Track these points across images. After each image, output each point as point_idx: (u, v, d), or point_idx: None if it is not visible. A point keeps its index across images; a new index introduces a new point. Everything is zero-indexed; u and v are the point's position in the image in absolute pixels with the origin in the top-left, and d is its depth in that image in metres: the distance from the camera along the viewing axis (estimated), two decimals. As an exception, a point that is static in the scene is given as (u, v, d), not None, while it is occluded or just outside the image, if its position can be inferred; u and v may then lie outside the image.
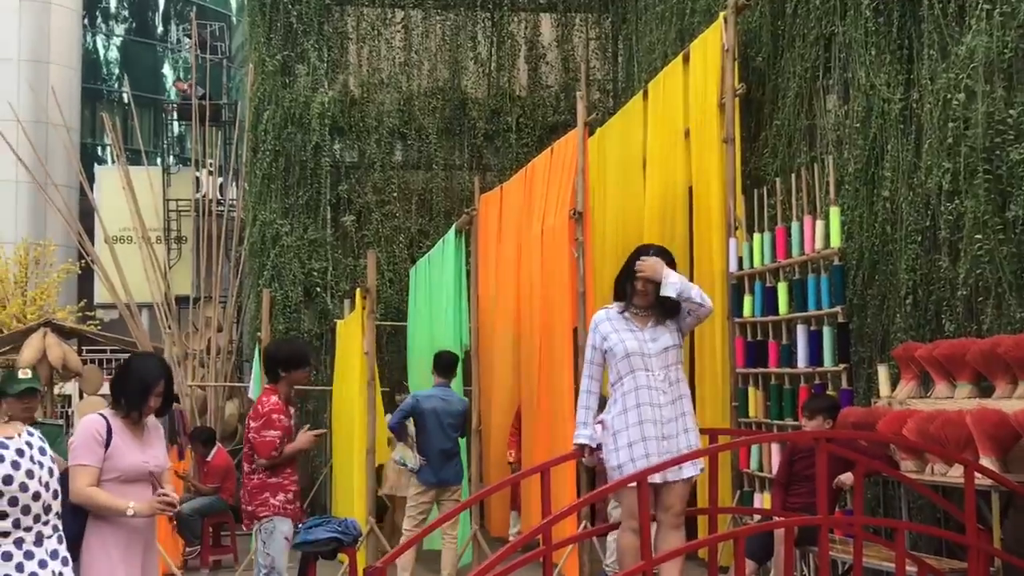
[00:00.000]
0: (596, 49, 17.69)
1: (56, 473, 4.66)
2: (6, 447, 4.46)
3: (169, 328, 17.12)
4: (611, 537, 8.97)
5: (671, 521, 5.10)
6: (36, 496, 4.50)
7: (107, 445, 5.23)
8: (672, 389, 5.12)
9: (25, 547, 4.47)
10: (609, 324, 5.31)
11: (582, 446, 5.43)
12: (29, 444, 4.58)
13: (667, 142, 11.17)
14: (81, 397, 18.06)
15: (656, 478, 4.90)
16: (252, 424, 7.13)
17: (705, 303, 5.30)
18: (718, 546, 5.53)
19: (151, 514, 5.25)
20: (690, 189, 10.99)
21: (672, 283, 5.22)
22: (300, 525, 9.75)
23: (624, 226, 12.42)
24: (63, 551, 4.63)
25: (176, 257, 24.26)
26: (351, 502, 11.55)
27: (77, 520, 5.17)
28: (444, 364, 10.34)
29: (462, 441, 10.78)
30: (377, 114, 16.82)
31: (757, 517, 8.78)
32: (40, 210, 28.54)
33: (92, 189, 21.54)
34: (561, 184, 10.81)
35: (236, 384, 18.10)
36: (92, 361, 18.45)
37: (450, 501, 9.91)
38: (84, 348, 18.51)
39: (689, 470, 5.07)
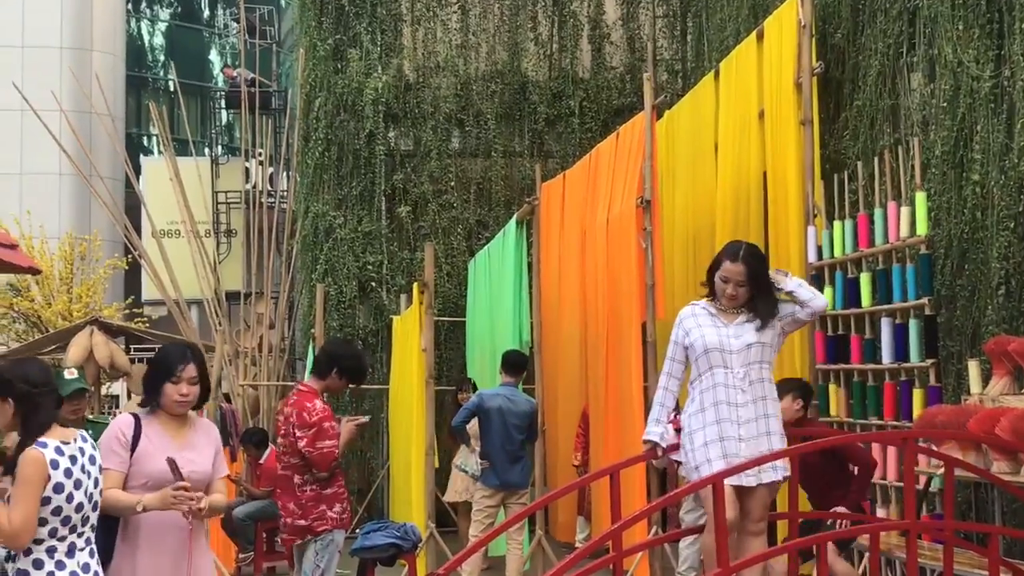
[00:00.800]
0: (663, 27, 17.62)
1: (101, 484, 4.71)
2: (62, 453, 4.52)
3: (220, 325, 17.35)
4: (683, 544, 8.94)
5: (751, 528, 5.09)
6: (80, 507, 4.56)
7: (133, 447, 4.99)
8: (752, 388, 5.11)
9: (57, 556, 4.52)
10: (694, 319, 5.30)
11: (654, 445, 5.43)
12: (82, 451, 4.64)
13: (740, 125, 11.10)
14: (129, 397, 18.38)
15: (735, 481, 4.90)
16: (300, 434, 6.99)
17: (818, 297, 5.33)
18: (796, 553, 5.51)
19: (163, 508, 4.86)
20: (765, 174, 10.92)
21: (791, 288, 5.26)
22: (357, 530, 9.87)
23: (694, 214, 12.37)
24: (95, 565, 4.65)
25: (226, 251, 24.58)
26: (409, 505, 11.64)
27: (108, 530, 5.02)
28: (512, 363, 10.36)
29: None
30: (433, 99, 16.90)
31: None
32: (85, 203, 29.06)
33: (138, 181, 21.86)
34: (627, 171, 10.80)
35: (289, 383, 18.30)
36: (140, 360, 18.78)
37: (517, 505, 9.94)
38: (132, 346, 18.83)
39: (769, 474, 5.05)
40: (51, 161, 27.16)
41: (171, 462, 4.89)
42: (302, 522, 7.02)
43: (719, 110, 11.52)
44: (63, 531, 4.54)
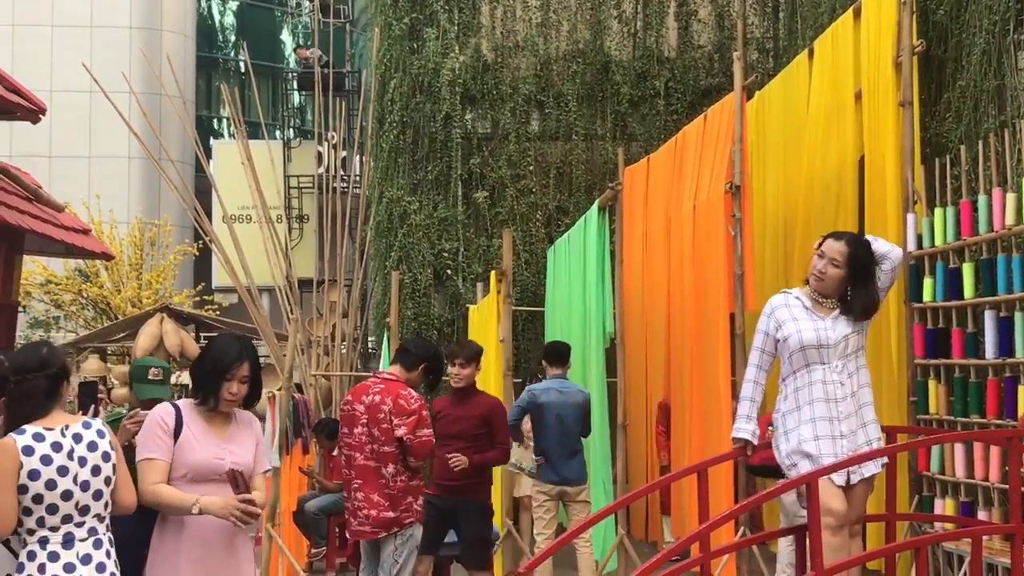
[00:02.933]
0: (754, 3, 17.48)
1: (104, 472, 4.72)
2: (41, 439, 4.59)
3: (292, 313, 17.56)
4: (783, 544, 8.86)
5: (849, 529, 5.06)
6: (67, 495, 4.59)
7: (175, 437, 4.96)
8: (851, 381, 5.07)
9: (50, 547, 4.57)
10: (787, 311, 5.23)
11: (745, 443, 5.41)
12: (77, 437, 4.68)
13: (836, 106, 10.99)
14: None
15: (835, 479, 4.88)
16: (398, 421, 7.09)
17: (894, 248, 5.32)
18: (896, 557, 5.47)
19: (223, 516, 4.83)
20: (862, 159, 10.80)
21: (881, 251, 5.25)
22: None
23: (786, 201, 12.28)
24: (101, 557, 4.66)
25: (297, 237, 24.87)
26: (487, 502, 11.70)
27: (145, 525, 4.98)
28: (556, 354, 10.33)
29: (599, 439, 10.81)
30: (512, 80, 16.94)
31: (938, 525, 8.64)
32: (154, 187, 29.60)
33: (209, 164, 22.19)
34: (716, 154, 10.75)
35: (362, 374, 18.47)
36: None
37: (578, 502, 9.95)
38: (202, 334, 19.15)
39: (871, 468, 5.03)
40: (120, 144, 27.72)
41: (234, 474, 4.91)
42: (390, 514, 7.07)
43: (812, 91, 11.41)
44: (53, 520, 4.58)
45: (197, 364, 5.17)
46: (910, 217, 9.99)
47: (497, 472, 11.08)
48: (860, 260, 5.20)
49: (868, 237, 5.31)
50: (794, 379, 5.15)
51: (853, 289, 5.16)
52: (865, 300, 5.16)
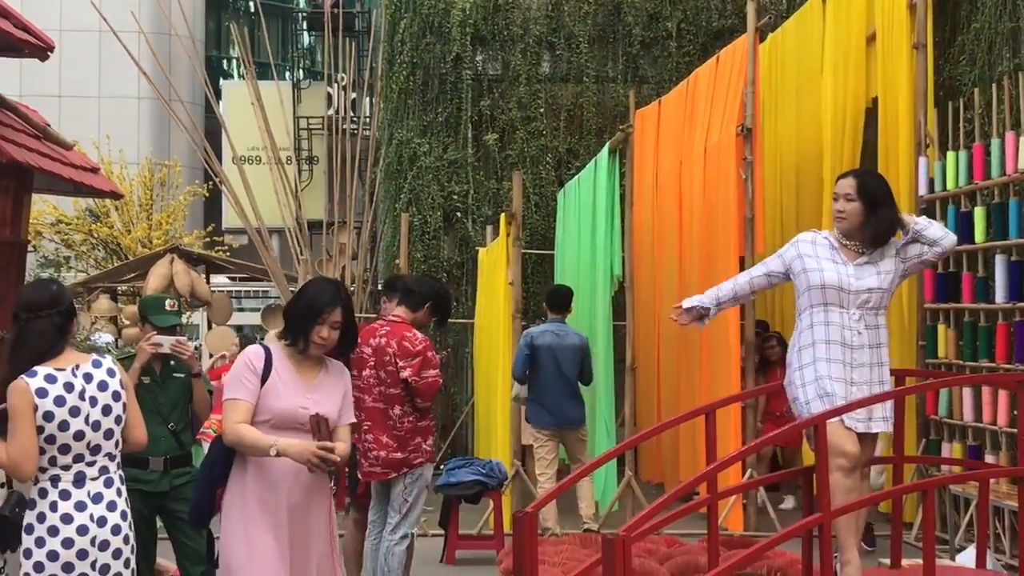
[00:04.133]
0: (768, -56, 17.26)
1: (115, 411, 4.75)
2: (53, 381, 4.61)
3: (302, 255, 17.56)
4: None
5: (860, 471, 5.07)
6: (79, 435, 4.63)
7: (264, 380, 4.86)
8: (868, 334, 5.03)
9: (61, 486, 4.61)
10: (812, 247, 5.18)
11: (682, 309, 5.44)
12: (88, 377, 4.70)
13: (849, 49, 10.89)
14: (210, 327, 18.73)
15: (847, 422, 4.87)
16: (403, 363, 7.08)
17: (948, 235, 5.22)
18: (903, 499, 5.49)
19: (303, 460, 4.73)
20: (875, 101, 10.73)
21: (920, 227, 5.15)
22: (441, 467, 10.02)
23: (798, 144, 12.22)
24: (112, 495, 4.71)
25: (307, 179, 24.82)
26: (494, 442, 11.77)
27: (223, 464, 4.91)
28: (556, 300, 10.45)
29: (604, 382, 10.86)
30: (523, 21, 16.79)
31: (944, 468, 8.66)
32: (164, 128, 29.51)
33: (218, 105, 22.13)
34: (728, 97, 10.68)
35: (372, 316, 18.49)
36: (221, 289, 19.10)
37: (578, 441, 10.08)
38: (212, 275, 19.17)
39: (880, 424, 5.01)
40: (130, 84, 27.59)
41: (317, 420, 4.83)
42: (399, 455, 7.09)
43: (826, 33, 11.30)
44: (65, 459, 4.62)
45: (290, 306, 5.06)
46: (922, 160, 9.94)
47: (504, 410, 11.16)
48: (872, 189, 5.14)
49: (925, 220, 5.24)
50: (811, 314, 5.11)
51: (871, 216, 5.10)
52: (876, 228, 5.11)
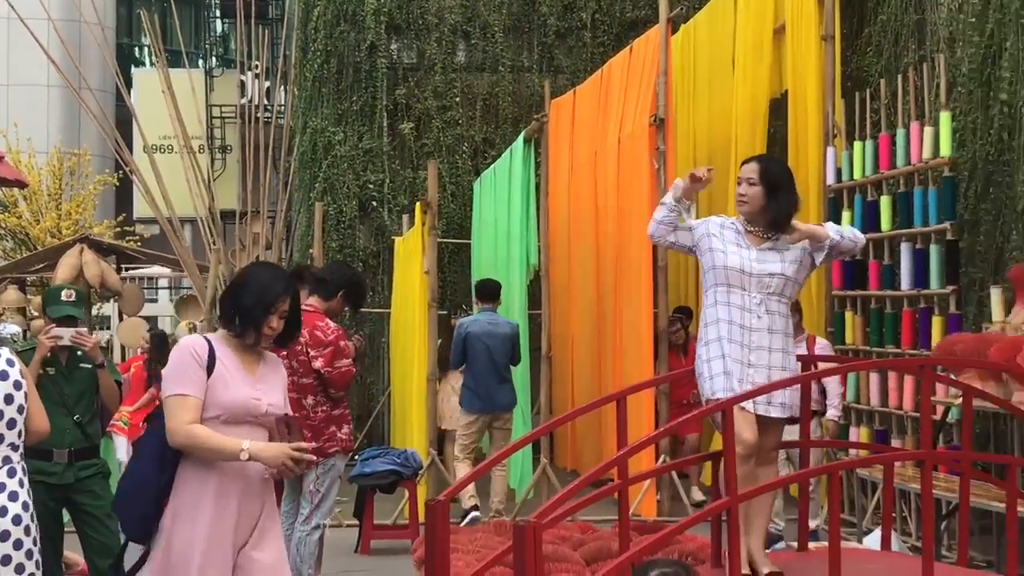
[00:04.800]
0: (681, -65, 17.39)
1: (17, 400, 4.67)
2: None
3: (214, 245, 17.38)
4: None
5: (763, 457, 5.11)
6: None
7: (209, 373, 4.47)
8: (770, 318, 5.08)
9: None
10: (720, 229, 5.21)
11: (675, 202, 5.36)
12: None
13: (759, 40, 11.04)
14: (121, 318, 18.48)
15: (745, 406, 4.92)
16: (314, 353, 7.05)
17: (857, 240, 5.26)
18: (809, 483, 5.59)
19: (276, 464, 4.43)
20: (785, 92, 10.88)
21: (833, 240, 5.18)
22: (356, 457, 9.99)
23: (710, 134, 12.35)
24: (13, 486, 4.63)
25: (220, 168, 24.54)
26: (410, 432, 11.77)
27: (166, 470, 4.46)
28: (486, 292, 10.74)
29: (520, 370, 10.97)
30: (437, 10, 16.75)
31: (852, 452, 8.83)
32: (73, 116, 28.98)
33: (129, 94, 21.79)
34: (641, 87, 10.76)
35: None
36: (132, 279, 18.82)
37: (501, 429, 10.23)
38: (123, 266, 18.90)
39: (777, 410, 5.05)
40: (39, 72, 27.02)
41: (290, 420, 4.61)
42: (312, 444, 7.08)
43: (737, 24, 11.45)
44: None
45: (236, 295, 4.61)
46: (830, 150, 10.11)
47: (420, 399, 11.18)
48: (774, 174, 5.20)
49: (835, 231, 5.24)
50: (714, 292, 5.15)
51: (767, 203, 5.16)
52: (776, 212, 5.17)
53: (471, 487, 9.80)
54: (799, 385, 5.30)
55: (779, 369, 5.06)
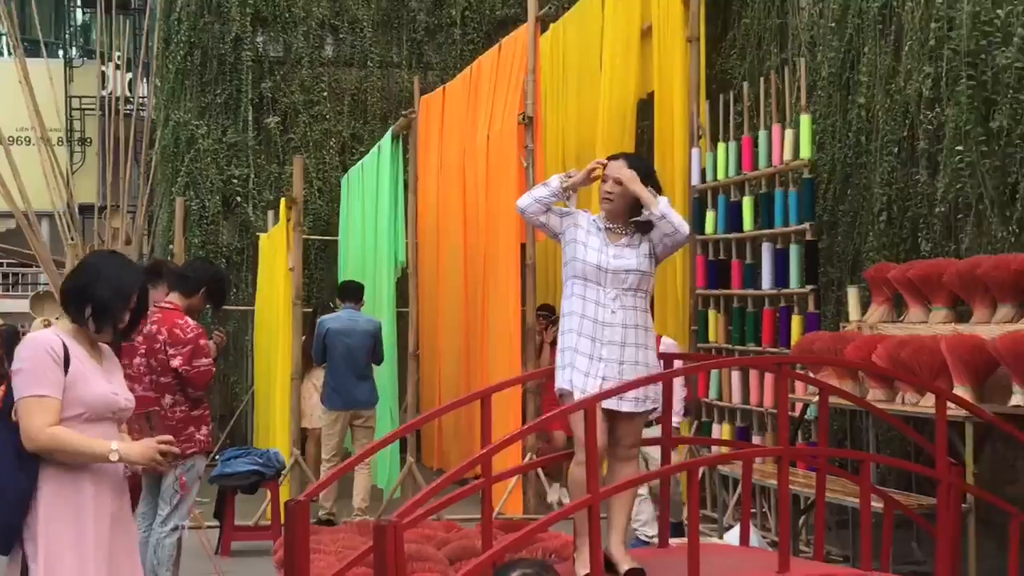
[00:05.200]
0: (550, -66, 17.47)
1: None
2: None
3: (72, 240, 16.98)
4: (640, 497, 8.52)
5: (621, 454, 5.15)
6: None
7: (66, 370, 4.27)
8: (624, 313, 5.13)
9: None
10: (587, 223, 5.26)
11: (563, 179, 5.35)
12: None
13: (626, 41, 11.14)
14: (-26, 315, 17.90)
15: (609, 404, 4.95)
16: (172, 352, 6.92)
17: (681, 229, 5.28)
18: (670, 479, 5.65)
19: (146, 461, 4.37)
20: (652, 93, 11.00)
21: (657, 202, 5.21)
22: (217, 457, 9.83)
23: (578, 133, 12.42)
24: None
25: (80, 161, 23.92)
26: (273, 431, 11.62)
27: (25, 474, 4.22)
28: (349, 292, 10.75)
29: (388, 368, 10.96)
30: (305, 3, 16.54)
31: (715, 449, 8.97)
32: (-75, 106, 27.99)
33: (-16, 84, 21.14)
34: (510, 85, 10.78)
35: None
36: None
37: (363, 428, 10.19)
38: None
39: (628, 404, 5.08)
40: None
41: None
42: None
43: (604, 25, 11.53)
44: None
45: (88, 287, 4.38)
46: (695, 151, 10.25)
47: (283, 398, 11.07)
48: (641, 172, 5.25)
49: (666, 204, 5.28)
50: (572, 285, 5.19)
51: (631, 201, 5.20)
52: (637, 210, 5.22)
53: (332, 495, 9.80)
54: (659, 371, 5.33)
55: (632, 364, 5.10)
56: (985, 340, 6.68)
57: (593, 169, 5.41)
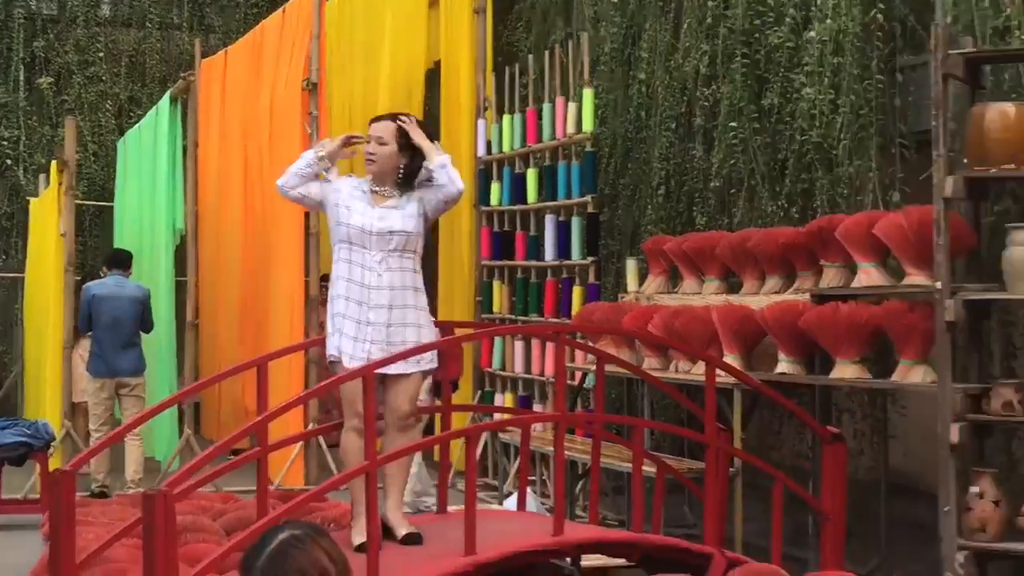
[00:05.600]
0: None
1: None
2: None
3: None
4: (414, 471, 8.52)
5: (396, 423, 5.13)
6: None
7: None
8: (390, 276, 5.11)
9: None
10: (349, 187, 5.22)
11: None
12: None
13: (413, 9, 11.10)
14: None
15: (354, 364, 4.93)
16: None
17: (456, 182, 5.28)
18: (449, 446, 5.68)
19: None
20: (439, 63, 11.00)
21: (437, 152, 5.21)
22: (-18, 428, 9.42)
23: (366, 101, 12.29)
24: None
25: None
26: (43, 402, 11.22)
27: None
28: (117, 261, 10.41)
29: (166, 337, 10.70)
30: (81, -40, 15.93)
31: (497, 416, 9.06)
32: None
33: None
34: (294, 51, 10.59)
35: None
36: None
37: (131, 396, 9.90)
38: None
39: (400, 366, 5.05)
40: None
41: None
42: None
43: (392, -8, 11.45)
44: None
45: None
46: (480, 123, 10.31)
47: (55, 368, 10.71)
48: (406, 134, 5.24)
49: (443, 159, 5.27)
50: (338, 250, 5.17)
51: (397, 162, 5.20)
52: (406, 171, 5.22)
53: (104, 465, 9.50)
54: (433, 337, 5.33)
55: (400, 326, 5.10)
56: (754, 310, 6.93)
57: (349, 138, 5.38)
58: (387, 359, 4.88)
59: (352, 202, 5.19)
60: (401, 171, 5.21)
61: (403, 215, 5.18)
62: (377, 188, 5.25)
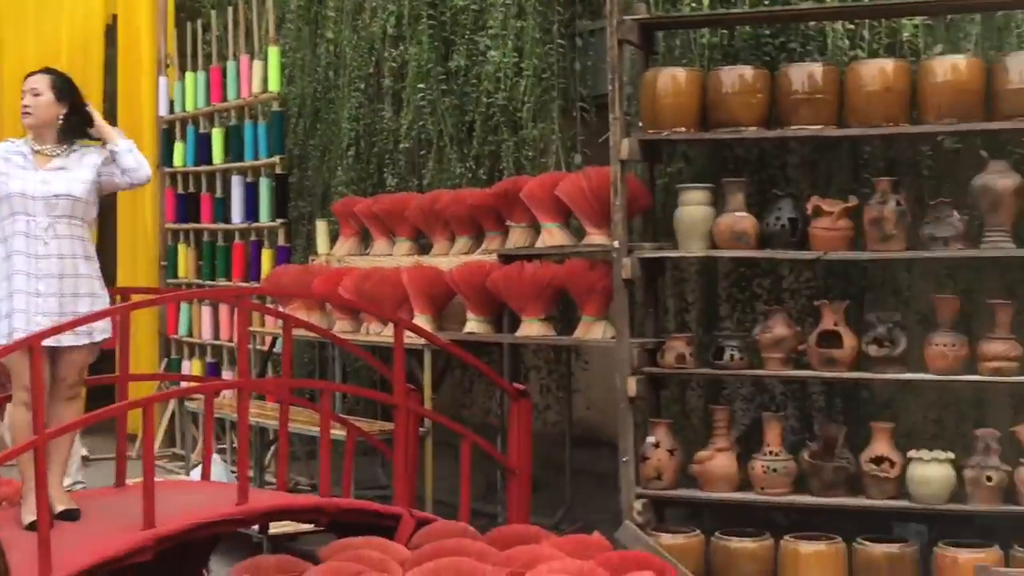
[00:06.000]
0: None
1: None
2: None
3: None
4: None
5: (64, 392, 4.90)
6: None
7: None
8: (59, 244, 4.85)
9: None
10: (4, 151, 4.94)
11: None
12: None
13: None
14: None
15: (49, 342, 4.67)
16: None
17: (143, 167, 5.09)
18: (127, 416, 5.46)
19: None
20: (115, 18, 10.53)
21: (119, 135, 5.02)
22: None
23: (43, 59, 11.57)
24: None
25: None
26: None
27: None
28: None
29: None
30: None
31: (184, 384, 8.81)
32: None
33: None
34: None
35: None
36: None
37: None
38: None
39: (69, 338, 4.82)
40: None
41: None
42: None
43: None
44: None
45: None
46: (162, 81, 9.98)
47: None
48: (61, 84, 5.02)
49: (127, 144, 5.04)
50: (3, 226, 4.89)
51: (56, 114, 4.97)
52: (65, 125, 5.00)
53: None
54: (104, 300, 5.10)
55: (72, 296, 4.88)
56: (443, 271, 6.98)
57: None
58: (53, 329, 4.62)
59: (10, 168, 4.89)
60: (60, 120, 4.97)
61: (69, 178, 4.92)
62: (39, 147, 4.98)
